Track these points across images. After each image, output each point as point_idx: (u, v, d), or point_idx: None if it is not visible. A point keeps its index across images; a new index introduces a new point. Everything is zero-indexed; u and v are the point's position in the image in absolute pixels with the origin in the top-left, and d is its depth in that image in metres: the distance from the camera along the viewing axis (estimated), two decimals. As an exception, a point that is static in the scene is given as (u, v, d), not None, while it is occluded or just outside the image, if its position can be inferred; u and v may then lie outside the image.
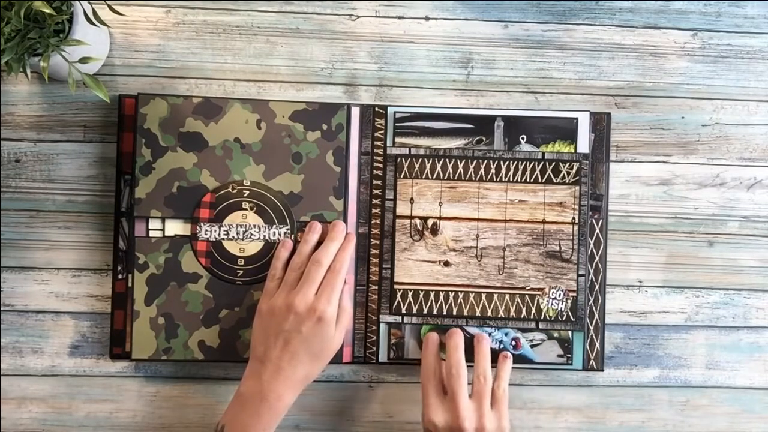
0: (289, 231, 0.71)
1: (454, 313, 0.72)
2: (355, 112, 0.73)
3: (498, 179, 0.72)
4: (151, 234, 0.71)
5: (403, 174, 0.73)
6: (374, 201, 0.73)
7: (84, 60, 0.65)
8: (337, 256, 0.69)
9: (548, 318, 0.72)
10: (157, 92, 0.73)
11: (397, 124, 0.73)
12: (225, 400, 0.72)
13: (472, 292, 0.72)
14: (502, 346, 0.72)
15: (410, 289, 0.72)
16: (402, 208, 0.73)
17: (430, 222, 0.72)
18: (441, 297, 0.72)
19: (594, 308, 0.72)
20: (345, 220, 0.72)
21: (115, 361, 0.72)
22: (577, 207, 0.72)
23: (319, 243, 0.70)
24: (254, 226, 0.71)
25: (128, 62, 0.73)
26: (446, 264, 0.72)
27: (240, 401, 0.65)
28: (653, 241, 0.75)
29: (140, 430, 0.73)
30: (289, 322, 0.66)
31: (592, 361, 0.72)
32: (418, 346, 0.72)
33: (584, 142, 0.73)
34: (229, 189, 0.71)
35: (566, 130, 0.73)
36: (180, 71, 0.74)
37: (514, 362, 0.72)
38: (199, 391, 0.73)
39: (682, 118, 0.76)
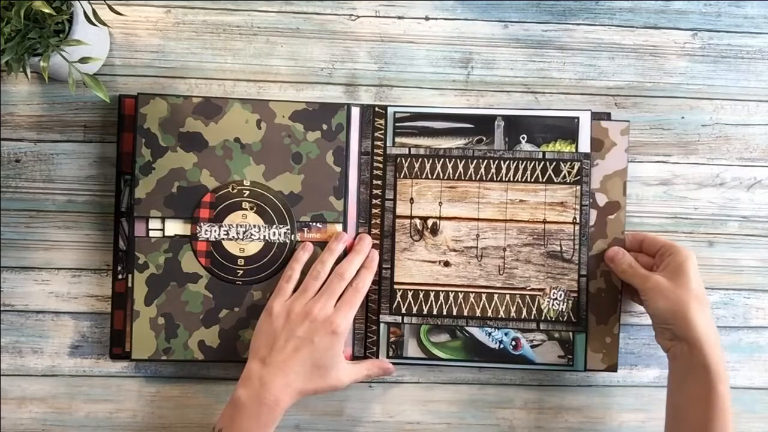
0: (289, 231, 0.71)
1: (454, 313, 0.72)
2: (355, 112, 0.73)
3: (498, 179, 0.72)
4: (151, 234, 0.71)
5: (403, 174, 0.73)
6: (374, 201, 0.73)
7: (84, 60, 0.65)
8: (361, 274, 0.70)
9: (549, 319, 0.72)
10: (157, 92, 0.73)
11: (397, 124, 0.73)
12: (225, 400, 0.72)
13: (472, 292, 0.72)
14: (502, 346, 0.72)
15: (410, 290, 0.72)
16: (402, 208, 0.73)
17: (430, 222, 0.72)
18: (441, 297, 0.72)
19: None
20: (345, 220, 0.72)
21: (115, 361, 0.72)
22: (578, 207, 0.72)
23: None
24: (254, 226, 0.71)
25: (128, 62, 0.73)
26: (446, 264, 0.72)
27: (236, 404, 0.64)
28: (653, 241, 0.75)
29: (140, 430, 0.73)
30: (304, 329, 0.66)
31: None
32: (417, 346, 0.72)
33: (585, 142, 0.72)
34: (229, 189, 0.71)
35: (567, 130, 0.72)
36: (180, 71, 0.74)
37: (514, 363, 0.72)
38: (199, 391, 0.73)
39: (682, 118, 0.76)
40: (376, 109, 0.73)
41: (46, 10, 0.60)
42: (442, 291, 0.72)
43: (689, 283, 0.65)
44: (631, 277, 0.69)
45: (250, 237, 0.71)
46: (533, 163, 0.72)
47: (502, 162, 0.72)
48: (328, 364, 0.66)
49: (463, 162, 0.72)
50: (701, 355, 0.63)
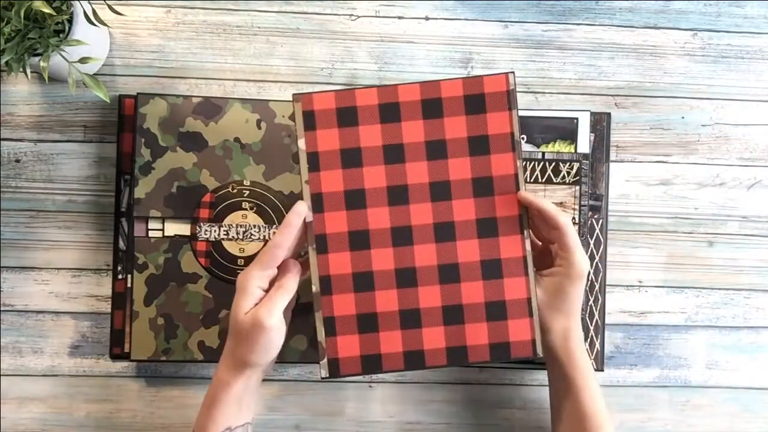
0: (289, 231, 0.71)
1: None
2: (355, 112, 0.73)
3: (498, 179, 0.72)
4: (151, 234, 0.71)
5: (403, 174, 0.72)
6: (374, 201, 0.73)
7: (84, 60, 0.65)
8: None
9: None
10: (157, 92, 0.73)
11: (397, 124, 0.73)
12: (225, 400, 0.72)
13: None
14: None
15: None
16: (402, 208, 0.72)
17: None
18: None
19: (594, 308, 0.72)
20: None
21: (115, 361, 0.72)
22: (577, 207, 0.72)
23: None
24: (254, 226, 0.71)
25: (128, 62, 0.73)
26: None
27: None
28: (653, 241, 0.75)
29: (140, 430, 0.73)
30: None
31: (591, 361, 0.72)
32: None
33: (584, 142, 0.73)
34: (229, 189, 0.71)
35: (566, 130, 0.72)
36: (180, 71, 0.74)
37: (513, 362, 0.72)
38: (199, 391, 0.73)
39: (682, 118, 0.76)
40: (376, 109, 0.73)
41: (46, 10, 0.60)
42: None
43: (570, 312, 0.63)
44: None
45: (250, 237, 0.71)
46: (533, 163, 0.72)
47: (501, 162, 0.72)
48: (235, 324, 0.60)
49: (462, 162, 0.72)
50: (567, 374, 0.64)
